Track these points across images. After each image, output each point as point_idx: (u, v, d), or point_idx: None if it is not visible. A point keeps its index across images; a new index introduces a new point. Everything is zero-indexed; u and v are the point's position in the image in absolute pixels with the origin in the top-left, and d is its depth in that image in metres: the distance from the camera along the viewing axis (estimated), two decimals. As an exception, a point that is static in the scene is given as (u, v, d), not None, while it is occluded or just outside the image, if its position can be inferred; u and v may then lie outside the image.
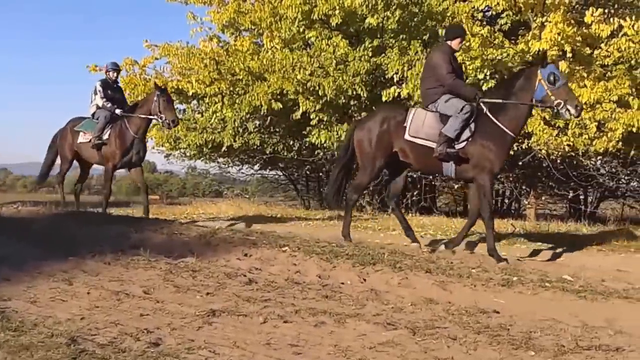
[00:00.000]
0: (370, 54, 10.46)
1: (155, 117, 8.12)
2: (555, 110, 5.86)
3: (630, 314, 3.59)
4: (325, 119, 10.71)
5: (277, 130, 12.18)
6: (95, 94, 8.45)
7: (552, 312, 3.57)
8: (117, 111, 8.30)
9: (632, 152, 9.20)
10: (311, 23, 10.79)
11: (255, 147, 11.79)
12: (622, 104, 8.54)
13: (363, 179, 6.29)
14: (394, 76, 10.12)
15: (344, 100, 10.68)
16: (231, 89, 11.22)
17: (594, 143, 8.78)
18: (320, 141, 10.63)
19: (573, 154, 9.33)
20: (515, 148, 9.72)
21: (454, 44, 6.07)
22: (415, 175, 11.15)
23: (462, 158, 5.67)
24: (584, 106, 8.57)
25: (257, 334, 2.95)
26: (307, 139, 10.99)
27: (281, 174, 14.79)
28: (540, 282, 4.48)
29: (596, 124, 8.62)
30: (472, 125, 5.65)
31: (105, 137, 8.29)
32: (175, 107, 9.24)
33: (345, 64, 10.43)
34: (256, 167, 14.18)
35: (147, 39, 12.18)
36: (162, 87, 8.46)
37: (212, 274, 4.38)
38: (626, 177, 10.27)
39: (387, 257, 5.07)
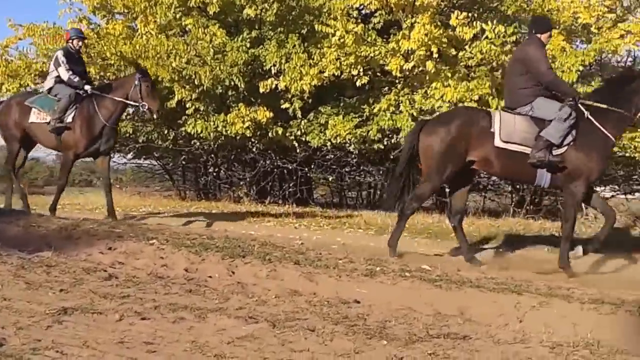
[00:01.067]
0: (248, 45, 10.39)
1: (135, 103, 7.10)
2: None
3: (480, 303, 3.83)
4: (202, 108, 10.50)
5: (152, 118, 11.75)
6: (58, 65, 7.12)
7: (409, 301, 3.76)
8: (87, 87, 7.12)
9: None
10: (188, 10, 10.52)
11: (127, 135, 11.29)
12: (483, 104, 9.15)
13: (426, 189, 5.71)
14: (272, 68, 10.15)
15: (221, 90, 10.53)
16: (101, 73, 10.65)
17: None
18: (197, 131, 10.40)
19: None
20: (385, 142, 10.16)
21: (544, 37, 5.57)
22: (291, 167, 11.29)
23: (559, 165, 5.24)
24: (448, 105, 9.16)
25: (110, 332, 2.83)
26: (183, 129, 10.71)
27: (156, 163, 14.29)
28: (400, 272, 4.69)
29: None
30: (574, 130, 5.22)
31: (69, 120, 7.01)
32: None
33: (223, 53, 10.27)
34: (129, 155, 13.58)
35: (11, 18, 11.29)
36: (144, 70, 7.54)
37: (69, 269, 4.15)
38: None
39: (257, 249, 5.08)
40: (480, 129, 5.33)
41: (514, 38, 9.35)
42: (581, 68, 8.97)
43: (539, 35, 5.51)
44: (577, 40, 10.48)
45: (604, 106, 5.22)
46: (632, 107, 5.27)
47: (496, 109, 8.83)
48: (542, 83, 5.33)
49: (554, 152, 5.18)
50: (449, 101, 9.10)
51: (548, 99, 5.34)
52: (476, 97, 9.02)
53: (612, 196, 11.60)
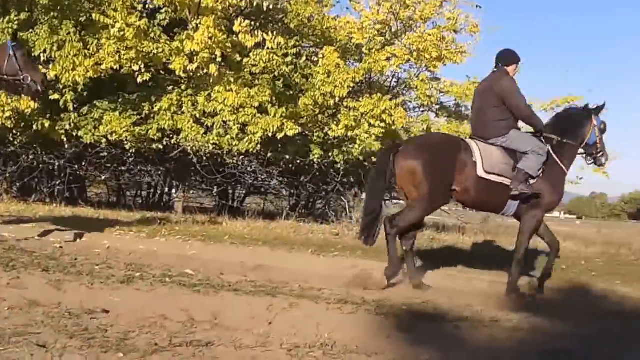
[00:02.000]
0: (15, 27, 9.35)
1: (13, 77, 5.87)
2: (593, 158, 5.87)
3: (235, 306, 3.90)
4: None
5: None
6: None
7: (163, 308, 3.66)
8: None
9: (270, 154, 10.28)
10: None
11: None
12: (262, 110, 9.44)
13: (413, 216, 5.25)
14: (42, 55, 9.28)
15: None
16: None
17: (237, 144, 9.51)
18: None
19: (219, 152, 9.93)
20: (165, 143, 9.92)
21: (511, 69, 5.60)
22: (58, 164, 10.42)
23: (529, 195, 5.31)
24: (230, 109, 9.27)
25: None
26: None
27: None
28: (162, 277, 4.61)
29: (239, 126, 9.36)
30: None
31: None
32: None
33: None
34: None
35: None
36: (16, 37, 6.27)
37: None
38: (265, 176, 11.42)
39: (1, 254, 4.58)
40: (464, 156, 5.25)
41: (294, 50, 9.81)
42: (352, 84, 9.74)
43: (506, 68, 5.55)
44: (351, 59, 11.35)
45: (565, 140, 5.53)
46: (578, 139, 5.68)
47: (274, 116, 9.21)
48: (518, 117, 5.49)
49: (530, 183, 5.33)
50: (231, 105, 9.20)
51: (521, 132, 5.56)
52: (256, 104, 9.25)
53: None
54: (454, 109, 10.85)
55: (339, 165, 10.14)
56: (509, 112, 5.39)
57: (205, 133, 9.51)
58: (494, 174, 5.25)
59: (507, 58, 5.59)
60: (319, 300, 4.23)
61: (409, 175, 5.16)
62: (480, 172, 5.21)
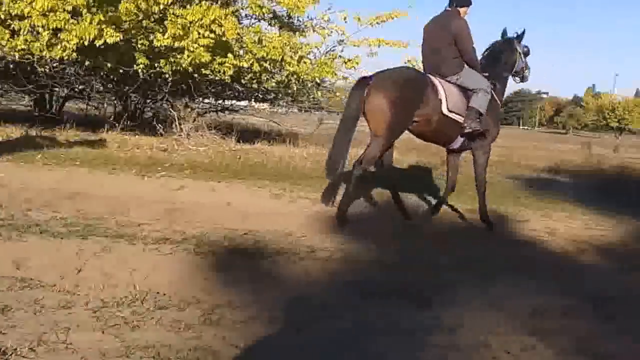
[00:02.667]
0: None
1: None
2: (520, 77, 6.30)
3: (41, 252, 3.63)
4: None
5: None
6: None
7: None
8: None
9: (88, 62, 9.42)
10: None
11: None
12: (77, 14, 8.50)
13: (378, 150, 5.32)
14: None
15: None
16: None
17: (49, 50, 8.55)
18: None
19: (30, 58, 8.89)
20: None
21: (463, 11, 5.69)
22: None
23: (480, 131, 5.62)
24: (38, 12, 8.21)
25: None
26: None
27: None
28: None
29: (50, 31, 8.38)
30: None
31: None
32: None
33: None
34: None
35: None
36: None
37: None
38: (84, 84, 10.55)
39: None
40: (431, 92, 5.36)
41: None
42: None
43: (459, 9, 5.65)
44: None
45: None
46: (509, 70, 6.09)
47: (90, 23, 8.36)
48: (464, 59, 5.61)
49: (480, 120, 5.57)
50: (40, 9, 8.13)
51: (471, 70, 5.64)
52: (70, 8, 8.29)
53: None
54: (286, 20, 10.67)
55: (167, 76, 9.62)
56: (458, 52, 5.58)
57: (12, 37, 8.39)
58: (454, 112, 5.51)
59: (461, 0, 5.69)
60: (135, 239, 4.11)
61: (380, 111, 5.21)
62: (445, 110, 5.45)
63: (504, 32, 6.21)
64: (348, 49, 10.83)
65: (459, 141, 5.76)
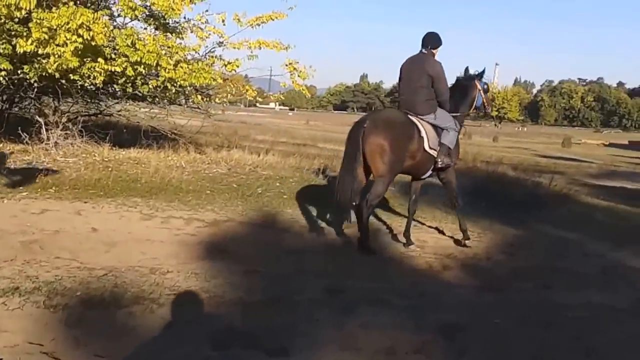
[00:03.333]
0: None
1: None
2: (483, 112, 6.94)
3: None
4: None
5: None
6: None
7: None
8: None
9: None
10: None
11: None
12: None
13: (382, 189, 5.93)
14: None
15: None
16: None
17: None
18: None
19: None
20: None
21: (436, 52, 6.24)
22: None
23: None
24: None
25: None
26: None
27: None
28: None
29: None
30: None
31: None
32: None
33: None
34: None
35: None
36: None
37: None
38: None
39: None
40: (416, 132, 5.98)
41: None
42: None
43: (433, 51, 6.19)
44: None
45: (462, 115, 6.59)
46: (469, 107, 6.61)
47: None
48: (439, 99, 6.19)
49: (449, 154, 6.26)
50: None
51: (442, 110, 6.25)
52: None
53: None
54: (162, 21, 10.25)
55: (32, 82, 8.93)
56: (434, 93, 6.14)
57: None
58: (432, 148, 6.09)
59: (435, 42, 6.21)
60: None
61: (380, 151, 5.73)
62: (427, 147, 6.04)
63: (466, 70, 6.82)
64: (229, 51, 10.64)
65: (429, 172, 6.42)
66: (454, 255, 6.21)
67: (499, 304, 4.72)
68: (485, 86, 6.76)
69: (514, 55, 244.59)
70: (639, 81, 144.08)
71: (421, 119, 6.10)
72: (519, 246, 6.79)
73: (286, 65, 10.89)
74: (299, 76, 10.97)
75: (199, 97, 10.90)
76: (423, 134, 6.03)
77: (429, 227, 7.54)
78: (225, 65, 10.50)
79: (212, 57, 10.51)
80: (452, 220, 7.83)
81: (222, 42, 10.55)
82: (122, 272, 4.46)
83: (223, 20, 10.26)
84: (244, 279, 4.72)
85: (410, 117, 6.06)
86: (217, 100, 11.14)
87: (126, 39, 9.23)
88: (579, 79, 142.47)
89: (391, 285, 4.97)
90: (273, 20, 10.67)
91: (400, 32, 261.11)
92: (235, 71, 10.60)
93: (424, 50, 6.21)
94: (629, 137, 75.25)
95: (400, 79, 6.33)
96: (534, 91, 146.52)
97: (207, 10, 10.29)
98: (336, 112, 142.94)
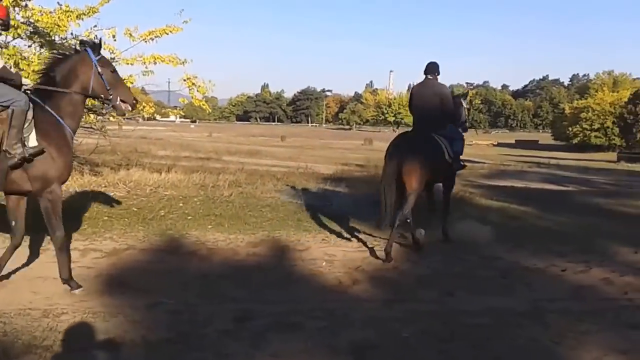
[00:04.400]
0: None
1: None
2: (463, 128, 7.96)
3: None
4: None
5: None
6: None
7: None
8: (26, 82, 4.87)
9: None
10: None
11: None
12: None
13: (414, 201, 6.74)
14: None
15: None
16: None
17: None
18: None
19: None
20: None
21: (438, 77, 7.39)
22: None
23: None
24: None
25: None
26: None
27: None
28: None
29: None
30: None
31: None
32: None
33: None
34: None
35: None
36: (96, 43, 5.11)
37: None
38: None
39: None
40: (441, 150, 7.06)
41: None
42: None
43: (438, 76, 7.37)
44: None
45: None
46: (455, 122, 7.75)
47: None
48: (448, 115, 7.33)
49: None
50: None
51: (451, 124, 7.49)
52: None
53: None
54: (47, 39, 9.64)
55: None
56: (446, 112, 7.23)
57: None
58: (450, 157, 7.13)
59: (437, 69, 7.34)
60: None
61: (415, 173, 6.63)
62: (447, 158, 7.11)
63: (452, 92, 8.09)
64: (122, 67, 10.19)
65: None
66: (362, 268, 6.27)
67: (406, 317, 4.79)
68: (468, 106, 8.10)
69: (407, 62, 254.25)
70: (522, 83, 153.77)
71: (440, 134, 7.11)
72: (422, 253, 6.96)
73: (184, 80, 10.64)
74: (198, 91, 10.75)
75: (92, 116, 10.38)
76: (443, 148, 7.06)
77: (338, 239, 7.56)
78: (119, 82, 10.06)
79: (104, 74, 10.02)
80: (359, 231, 7.95)
81: (113, 58, 10.10)
82: (10, 318, 4.11)
83: (114, 36, 9.86)
84: (147, 315, 4.51)
85: (434, 136, 7.07)
86: (111, 118, 10.64)
87: (9, 59, 8.64)
88: (467, 82, 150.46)
89: (301, 305, 4.93)
90: (167, 34, 10.38)
91: (299, 41, 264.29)
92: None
93: (429, 77, 7.34)
94: (516, 136, 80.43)
95: (412, 101, 7.45)
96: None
97: (95, 26, 9.84)
98: (239, 122, 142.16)
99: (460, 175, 10.07)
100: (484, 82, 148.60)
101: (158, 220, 7.67)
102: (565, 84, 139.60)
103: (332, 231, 7.91)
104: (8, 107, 4.59)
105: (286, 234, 7.64)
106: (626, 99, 50.78)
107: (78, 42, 5.37)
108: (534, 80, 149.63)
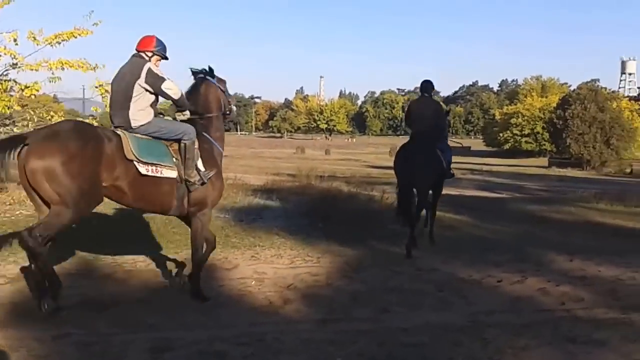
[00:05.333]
0: None
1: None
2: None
3: None
4: None
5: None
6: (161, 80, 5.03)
7: None
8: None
9: None
10: None
11: None
12: None
13: (426, 197, 8.07)
14: None
15: None
16: None
17: None
18: None
19: None
20: None
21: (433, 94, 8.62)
22: None
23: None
24: None
25: None
26: None
27: None
28: None
29: None
30: None
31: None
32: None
33: None
34: None
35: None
36: (208, 69, 5.62)
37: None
38: None
39: None
40: (435, 155, 8.05)
41: None
42: None
43: (432, 93, 8.40)
44: None
45: None
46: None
47: None
48: (442, 130, 8.40)
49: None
50: None
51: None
52: None
53: None
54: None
55: None
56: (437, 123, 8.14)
57: None
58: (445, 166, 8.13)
59: (432, 87, 8.29)
60: None
61: (426, 175, 7.75)
62: (444, 167, 8.13)
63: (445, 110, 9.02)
64: (26, 73, 9.44)
65: None
66: (294, 286, 5.94)
67: (341, 339, 4.51)
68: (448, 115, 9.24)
69: (338, 68, 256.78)
70: (453, 89, 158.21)
71: (437, 146, 7.91)
72: (357, 267, 6.70)
73: (96, 87, 9.94)
74: (111, 98, 10.08)
75: (-1, 129, 9.54)
76: (442, 158, 7.89)
77: (269, 255, 7.18)
78: (23, 90, 9.32)
79: (6, 81, 9.23)
80: (291, 246, 7.60)
81: (16, 64, 9.32)
82: None
83: (15, 40, 9.08)
84: (54, 348, 4.06)
85: (435, 149, 7.90)
86: (15, 129, 9.79)
87: None
88: (398, 89, 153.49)
89: (227, 331, 4.56)
90: (76, 37, 9.67)
91: (224, 45, 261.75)
92: (35, 96, 9.43)
93: (426, 94, 8.26)
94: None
95: (411, 116, 8.19)
96: (359, 102, 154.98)
97: (-7, 28, 9.03)
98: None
99: (393, 184, 9.93)
100: (415, 89, 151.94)
101: (69, 240, 7.01)
102: (495, 89, 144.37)
103: (262, 247, 7.53)
104: (179, 140, 5.10)
105: (214, 252, 7.18)
106: (555, 104, 52.88)
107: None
108: (464, 86, 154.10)
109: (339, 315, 5.09)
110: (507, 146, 65.57)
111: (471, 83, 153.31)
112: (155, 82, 5.04)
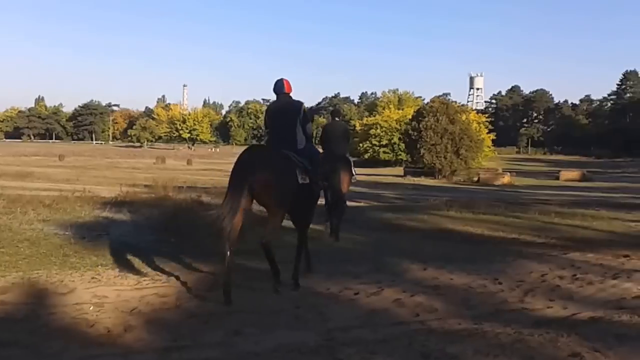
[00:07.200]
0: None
1: None
2: None
3: None
4: None
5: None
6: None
7: None
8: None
9: None
10: None
11: None
12: None
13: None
14: None
15: None
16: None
17: None
18: None
19: None
20: None
21: None
22: None
23: None
24: None
25: None
26: None
27: None
28: None
29: None
30: None
31: None
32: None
33: None
34: None
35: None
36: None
37: None
38: None
39: None
40: None
41: None
42: None
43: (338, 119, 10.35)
44: None
45: None
46: None
47: None
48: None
49: None
50: None
51: None
52: None
53: None
54: None
55: None
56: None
57: None
58: None
59: (340, 114, 10.48)
60: None
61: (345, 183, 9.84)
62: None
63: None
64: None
65: None
66: (138, 310, 5.37)
67: (187, 369, 4.05)
68: None
69: (202, 77, 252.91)
70: (316, 100, 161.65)
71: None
72: (210, 286, 6.26)
73: None
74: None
75: None
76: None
77: (112, 276, 6.51)
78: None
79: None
80: (138, 265, 6.99)
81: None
82: None
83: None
84: None
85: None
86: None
87: None
88: (263, 99, 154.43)
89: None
90: None
91: (78, 52, 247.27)
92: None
93: (337, 119, 10.28)
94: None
95: (326, 135, 9.96)
96: (223, 112, 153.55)
97: None
98: (9, 140, 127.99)
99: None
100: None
101: None
102: (356, 101, 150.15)
103: (105, 267, 6.83)
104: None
105: (47, 274, 6.40)
106: (410, 116, 55.73)
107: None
108: (326, 97, 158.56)
109: (186, 342, 4.63)
110: (366, 156, 68.46)
111: (334, 95, 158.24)
112: None
